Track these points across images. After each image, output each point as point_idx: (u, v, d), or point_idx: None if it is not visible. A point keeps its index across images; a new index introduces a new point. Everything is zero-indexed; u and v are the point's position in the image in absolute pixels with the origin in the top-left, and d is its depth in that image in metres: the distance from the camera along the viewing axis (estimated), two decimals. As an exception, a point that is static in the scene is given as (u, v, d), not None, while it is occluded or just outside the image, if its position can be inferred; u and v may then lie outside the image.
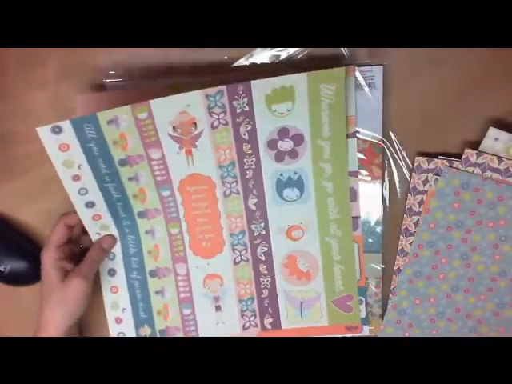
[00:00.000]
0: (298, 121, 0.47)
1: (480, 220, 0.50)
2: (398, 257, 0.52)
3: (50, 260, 0.48)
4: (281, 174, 0.49)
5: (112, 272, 0.53)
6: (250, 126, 0.48)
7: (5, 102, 0.53)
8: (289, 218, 0.51)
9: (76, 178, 0.48)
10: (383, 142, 0.50)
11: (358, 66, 0.48)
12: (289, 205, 0.50)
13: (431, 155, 0.50)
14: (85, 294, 0.48)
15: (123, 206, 0.50)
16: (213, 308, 0.53)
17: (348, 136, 0.49)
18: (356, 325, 0.53)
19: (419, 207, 0.51)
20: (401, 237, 0.52)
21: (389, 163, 0.51)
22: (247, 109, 0.47)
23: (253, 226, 0.51)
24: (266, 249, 0.52)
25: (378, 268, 0.52)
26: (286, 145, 0.48)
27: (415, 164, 0.50)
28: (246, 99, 0.46)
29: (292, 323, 0.54)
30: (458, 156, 0.49)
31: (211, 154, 0.49)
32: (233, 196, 0.50)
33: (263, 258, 0.52)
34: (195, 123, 0.47)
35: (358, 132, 0.50)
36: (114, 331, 0.54)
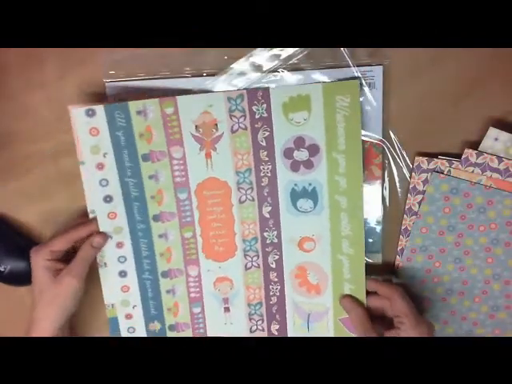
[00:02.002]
0: (313, 131, 0.47)
1: (471, 224, 0.50)
2: (398, 257, 0.53)
3: (40, 260, 0.48)
4: (295, 184, 0.49)
5: (123, 274, 0.53)
6: (267, 133, 0.48)
7: (5, 102, 0.53)
8: (302, 228, 0.51)
9: (100, 166, 0.49)
10: (383, 142, 0.50)
11: (358, 66, 0.49)
12: (302, 215, 0.50)
13: (431, 155, 0.50)
14: (76, 292, 0.48)
15: (139, 207, 0.50)
16: (222, 309, 0.54)
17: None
18: None
19: (419, 207, 0.51)
20: (401, 237, 0.52)
21: (389, 163, 0.51)
22: (266, 115, 0.47)
23: (265, 234, 0.51)
24: (277, 257, 0.52)
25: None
26: (301, 155, 0.48)
27: (415, 164, 0.50)
28: (264, 105, 0.47)
29: (298, 333, 0.53)
30: (458, 156, 0.49)
31: (230, 158, 0.49)
32: (248, 203, 0.50)
33: (274, 266, 0.52)
34: (216, 125, 0.48)
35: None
36: (123, 328, 0.54)
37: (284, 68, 0.49)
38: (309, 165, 0.49)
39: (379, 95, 0.49)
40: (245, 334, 0.54)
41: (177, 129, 0.48)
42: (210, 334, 0.54)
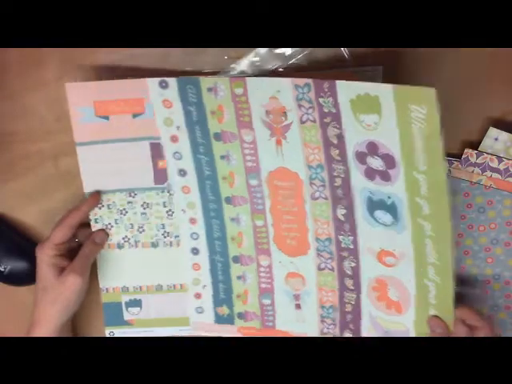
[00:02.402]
0: (386, 139, 0.42)
1: (471, 224, 0.50)
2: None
3: (45, 257, 0.48)
4: (371, 193, 0.45)
5: (195, 251, 0.53)
6: (337, 131, 0.45)
7: (5, 102, 0.53)
8: (381, 240, 0.47)
9: (174, 138, 0.49)
10: (383, 142, 0.50)
11: (358, 66, 0.49)
12: (381, 227, 0.46)
13: (431, 155, 0.50)
14: (80, 289, 0.48)
15: (212, 186, 0.50)
16: (292, 305, 0.53)
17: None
18: None
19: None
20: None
21: (389, 163, 0.51)
22: (334, 111, 0.44)
23: (340, 237, 0.49)
24: (354, 264, 0.49)
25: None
26: (376, 163, 0.44)
27: (415, 164, 0.50)
28: (330, 99, 0.43)
29: None
30: (458, 156, 0.49)
31: (300, 149, 0.47)
32: (321, 200, 0.48)
33: (350, 273, 0.49)
34: (285, 113, 0.46)
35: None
36: (192, 307, 0.54)
37: (284, 68, 0.49)
38: (386, 177, 0.44)
39: (379, 95, 0.49)
40: (315, 334, 0.53)
41: (247, 111, 0.47)
42: (279, 328, 0.54)
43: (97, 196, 0.51)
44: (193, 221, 0.52)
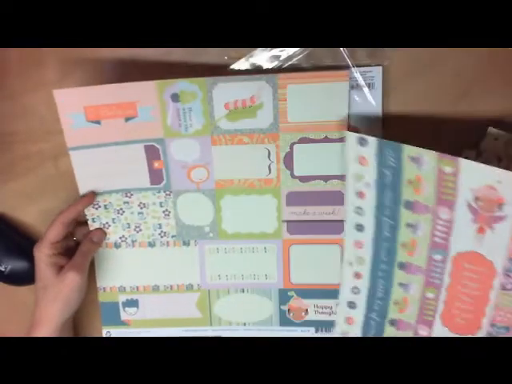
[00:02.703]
0: None
1: None
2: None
3: (43, 256, 0.48)
4: None
5: (352, 305, 0.52)
6: None
7: (5, 102, 0.53)
8: None
9: (360, 194, 0.48)
10: (383, 141, 0.50)
11: (358, 66, 0.49)
12: None
13: (431, 155, 0.50)
14: (80, 287, 0.49)
15: (388, 248, 0.49)
16: None
17: (339, 140, 0.49)
18: None
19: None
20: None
21: (388, 163, 0.51)
22: None
23: None
24: None
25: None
26: None
27: (415, 164, 0.50)
28: None
29: None
30: (457, 156, 0.49)
31: (506, 243, 0.44)
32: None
33: None
34: (502, 204, 0.43)
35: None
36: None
37: (284, 68, 0.49)
38: None
39: (379, 95, 0.49)
40: None
41: (451, 191, 0.44)
42: None
43: (91, 195, 0.51)
44: (357, 275, 0.51)
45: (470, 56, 0.49)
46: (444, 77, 0.49)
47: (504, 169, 0.48)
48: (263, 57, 0.50)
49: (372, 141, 0.46)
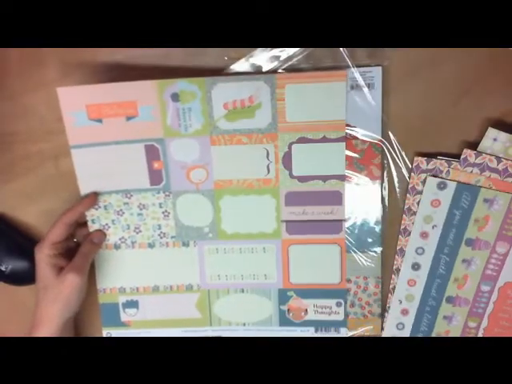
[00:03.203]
0: None
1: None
2: (396, 256, 0.53)
3: (44, 256, 0.48)
4: None
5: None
6: None
7: (5, 102, 0.53)
8: None
9: (424, 235, 0.49)
10: (382, 142, 0.50)
11: (358, 66, 0.49)
12: None
13: (430, 155, 0.50)
14: (80, 288, 0.49)
15: (440, 284, 0.51)
16: None
17: (337, 140, 0.49)
18: None
19: (418, 207, 0.51)
20: (400, 237, 0.52)
21: (388, 163, 0.51)
22: None
23: None
24: None
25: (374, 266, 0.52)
26: None
27: (414, 164, 0.50)
28: None
29: None
30: (457, 156, 0.49)
31: None
32: None
33: None
34: None
35: (352, 135, 0.50)
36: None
37: (284, 68, 0.49)
38: None
39: (378, 95, 0.49)
40: None
41: None
42: None
43: (93, 196, 0.51)
44: (405, 312, 0.52)
45: (470, 56, 0.49)
46: (443, 77, 0.49)
47: (504, 169, 0.48)
48: (263, 57, 0.50)
49: (451, 185, 0.47)
